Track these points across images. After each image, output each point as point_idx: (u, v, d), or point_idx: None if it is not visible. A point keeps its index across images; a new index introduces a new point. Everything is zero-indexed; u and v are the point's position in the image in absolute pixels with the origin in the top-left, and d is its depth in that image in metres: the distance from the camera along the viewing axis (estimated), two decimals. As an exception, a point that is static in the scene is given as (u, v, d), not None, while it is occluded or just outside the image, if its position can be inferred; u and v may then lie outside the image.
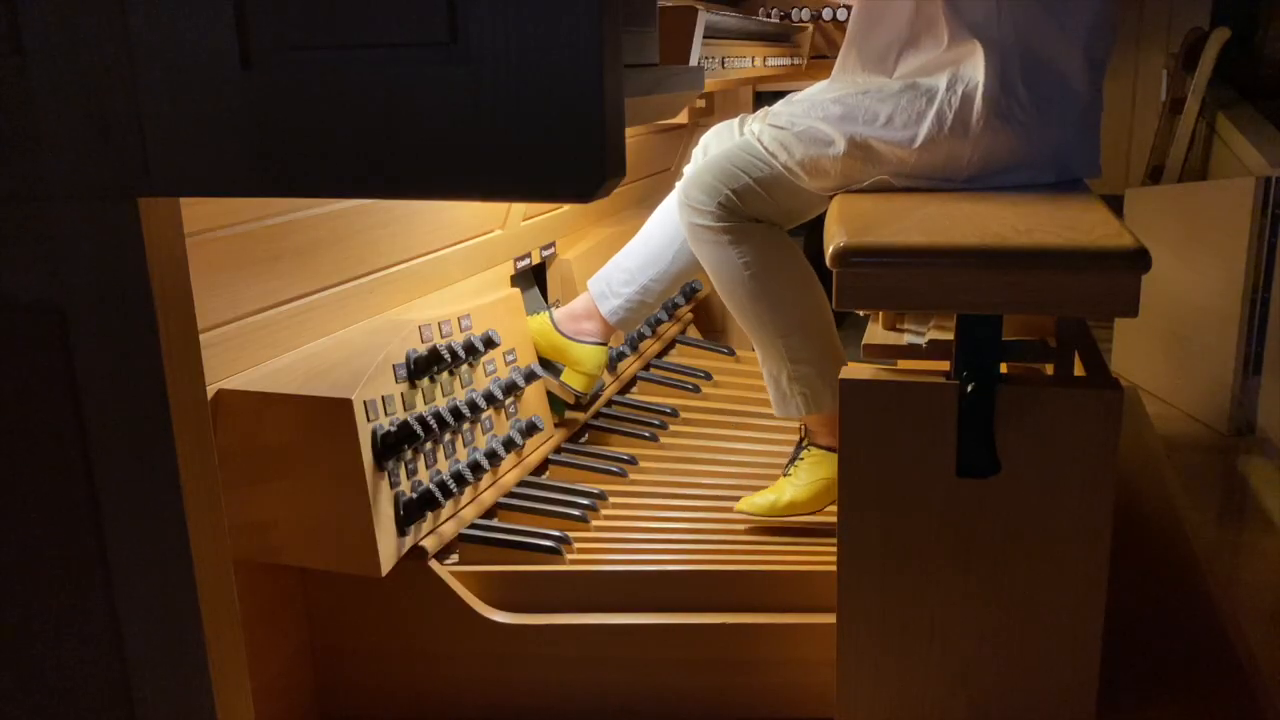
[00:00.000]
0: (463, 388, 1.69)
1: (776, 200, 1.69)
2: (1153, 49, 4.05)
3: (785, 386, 1.75)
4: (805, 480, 1.79)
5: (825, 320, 1.76)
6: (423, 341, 1.62)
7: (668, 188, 1.83)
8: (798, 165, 1.63)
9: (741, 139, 1.74)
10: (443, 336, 1.67)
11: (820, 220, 1.57)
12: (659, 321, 2.50)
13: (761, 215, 1.70)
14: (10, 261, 0.89)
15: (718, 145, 1.90)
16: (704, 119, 2.83)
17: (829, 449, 1.78)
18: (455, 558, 1.64)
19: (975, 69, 1.52)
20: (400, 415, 1.50)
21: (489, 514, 1.72)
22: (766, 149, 1.66)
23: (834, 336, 1.77)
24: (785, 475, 1.83)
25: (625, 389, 2.35)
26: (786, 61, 2.84)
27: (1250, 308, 2.66)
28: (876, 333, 2.29)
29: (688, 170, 1.85)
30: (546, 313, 2.04)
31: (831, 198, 1.65)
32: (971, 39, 1.53)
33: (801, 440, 1.84)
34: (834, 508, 1.56)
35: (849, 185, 1.62)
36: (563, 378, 1.99)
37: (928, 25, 1.58)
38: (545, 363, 1.98)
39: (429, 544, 1.53)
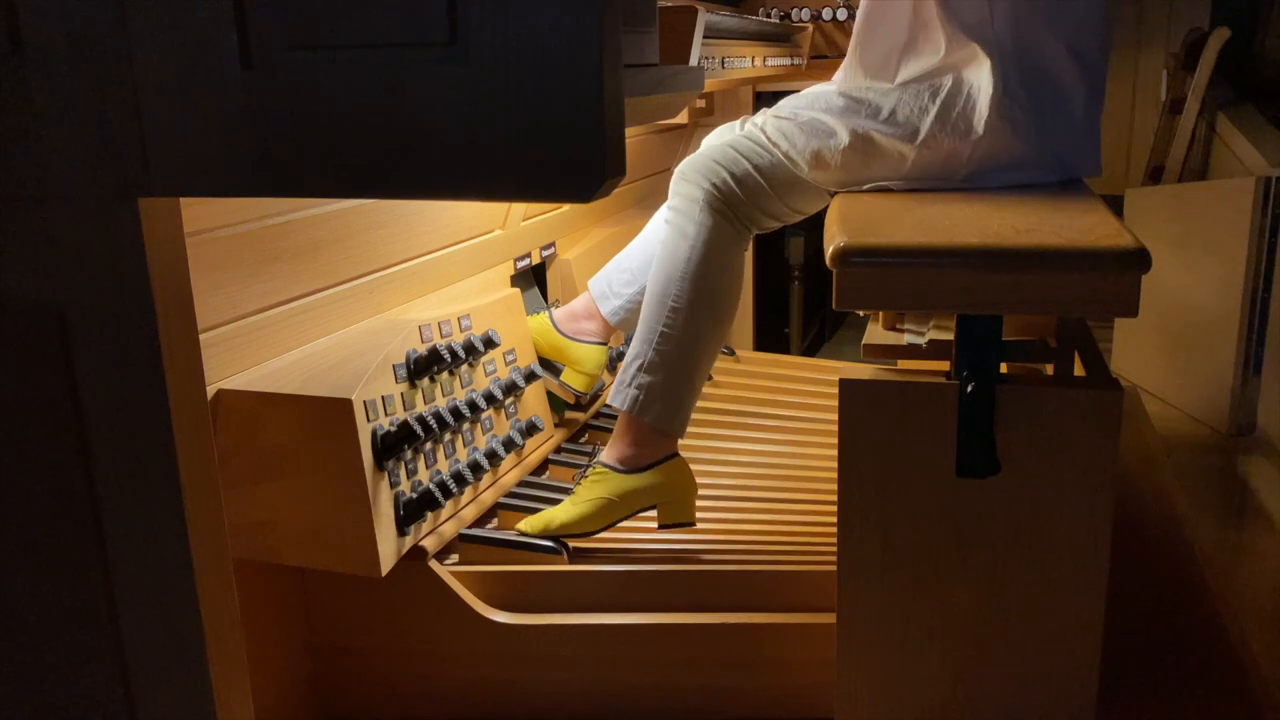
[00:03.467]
0: (463, 388, 1.69)
1: (775, 190, 1.68)
2: (1153, 49, 4.05)
3: (631, 373, 1.67)
4: (583, 499, 1.68)
5: (709, 350, 1.69)
6: (423, 341, 1.62)
7: (668, 188, 1.83)
8: (799, 155, 1.63)
9: (745, 129, 1.74)
10: (443, 336, 1.67)
11: (820, 220, 1.58)
12: (659, 321, 2.49)
13: (757, 206, 1.68)
14: (10, 261, 0.89)
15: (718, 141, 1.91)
16: (704, 119, 2.83)
17: (614, 467, 1.69)
18: (455, 558, 1.64)
19: (979, 72, 1.52)
20: (400, 415, 1.50)
21: (489, 514, 1.72)
22: (769, 138, 1.66)
23: (703, 372, 1.70)
24: (570, 494, 1.73)
25: (625, 389, 2.34)
26: (786, 61, 2.84)
27: (1250, 308, 2.65)
28: (876, 333, 2.29)
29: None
30: (546, 313, 2.03)
31: (830, 195, 1.65)
32: (969, 43, 1.53)
33: (592, 453, 1.73)
34: (831, 502, 1.55)
35: (848, 180, 1.62)
36: (563, 378, 1.99)
37: (925, 30, 1.58)
38: (545, 363, 1.98)
39: (429, 544, 1.53)
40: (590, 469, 1.73)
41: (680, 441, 2.18)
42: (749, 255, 2.63)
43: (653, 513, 1.88)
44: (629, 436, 1.71)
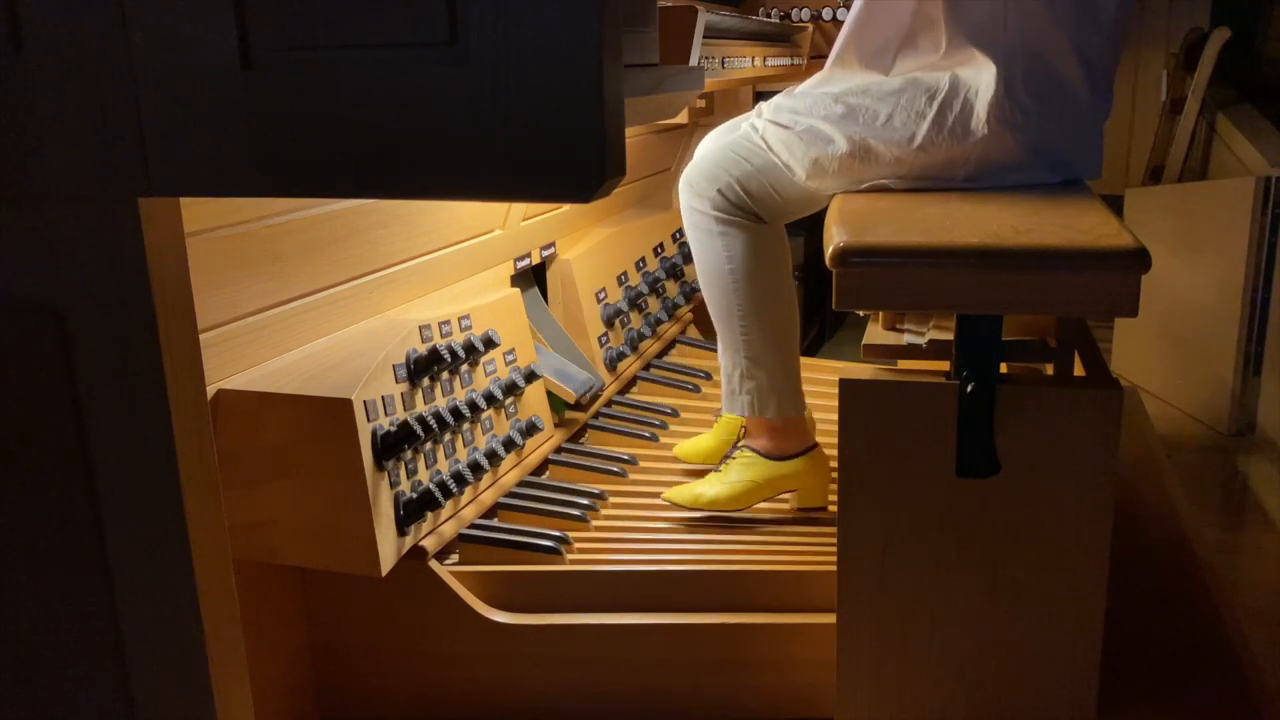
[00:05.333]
0: (463, 388, 1.69)
1: (778, 189, 1.69)
2: (1153, 49, 4.05)
3: (736, 383, 1.79)
4: (732, 479, 1.81)
5: (791, 332, 1.79)
6: (423, 341, 1.62)
7: (668, 188, 1.83)
8: (797, 163, 1.63)
9: (744, 130, 1.74)
10: (443, 336, 1.67)
11: (820, 220, 1.58)
12: (659, 321, 2.50)
13: (763, 205, 1.70)
14: (10, 261, 0.89)
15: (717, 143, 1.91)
16: (704, 119, 2.83)
17: (762, 453, 1.82)
18: (455, 558, 1.64)
19: (978, 74, 1.52)
20: (400, 415, 1.50)
21: (489, 514, 1.72)
22: (768, 144, 1.67)
23: (795, 350, 1.80)
24: (717, 471, 1.86)
25: (625, 389, 2.35)
26: (786, 61, 2.84)
27: (1250, 308, 2.65)
28: (876, 333, 2.29)
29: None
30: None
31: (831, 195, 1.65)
32: (970, 46, 1.52)
33: (738, 440, 1.88)
34: (831, 503, 1.57)
35: (847, 185, 1.62)
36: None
37: (927, 27, 1.58)
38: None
39: (429, 544, 1.53)
40: (739, 451, 1.85)
41: (680, 441, 2.19)
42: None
43: (649, 512, 1.88)
44: (764, 429, 1.82)
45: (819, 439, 2.13)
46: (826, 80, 1.68)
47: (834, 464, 1.60)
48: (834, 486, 1.39)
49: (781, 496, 1.86)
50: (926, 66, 1.57)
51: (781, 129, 1.65)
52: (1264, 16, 3.61)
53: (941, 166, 1.56)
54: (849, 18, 1.70)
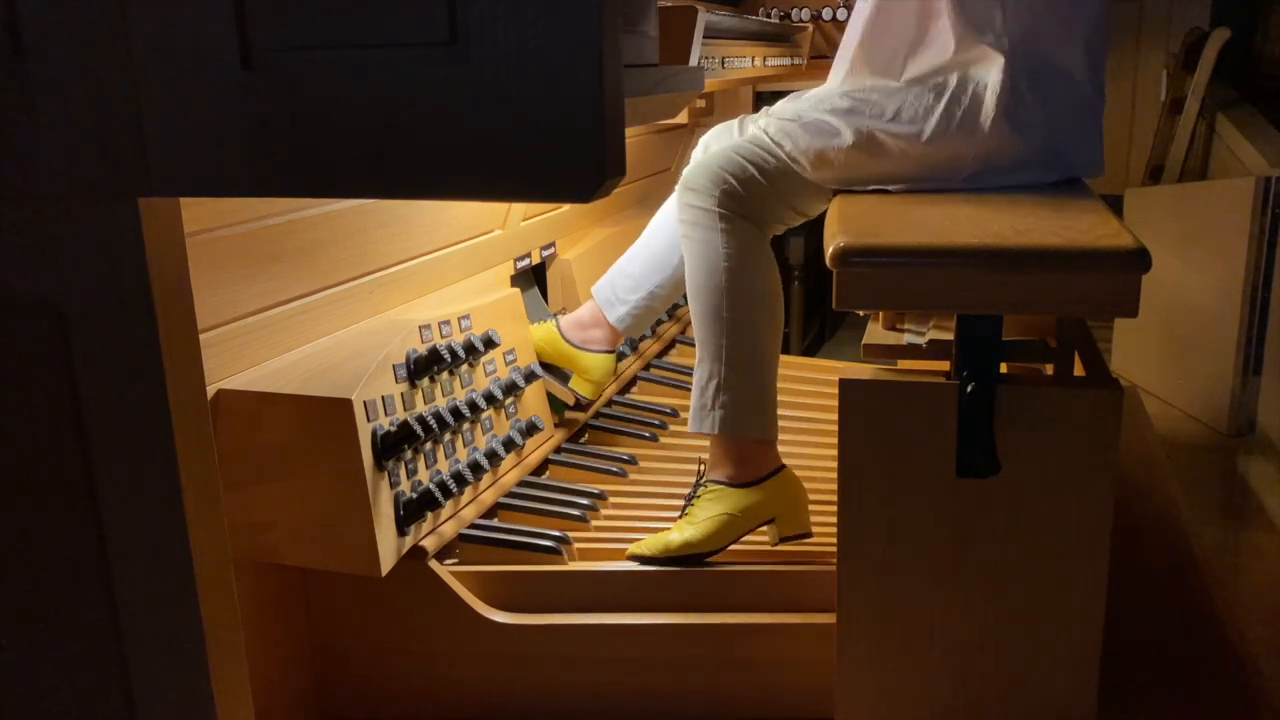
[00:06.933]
0: (463, 388, 1.69)
1: (779, 193, 1.68)
2: (1153, 49, 4.05)
3: (710, 395, 1.66)
4: (702, 517, 1.66)
5: (774, 346, 1.70)
6: (423, 341, 1.62)
7: (668, 188, 1.83)
8: (802, 155, 1.63)
9: (748, 133, 1.73)
10: (443, 336, 1.67)
11: (820, 220, 1.58)
12: (659, 322, 2.50)
13: (762, 209, 1.69)
14: (10, 261, 0.89)
15: (718, 144, 1.90)
16: (704, 119, 2.83)
17: (727, 483, 1.68)
18: (455, 558, 1.64)
19: (986, 71, 1.52)
20: (400, 415, 1.50)
21: (489, 514, 1.72)
22: (772, 139, 1.66)
23: (774, 369, 1.70)
24: (683, 516, 1.70)
25: (625, 389, 2.35)
26: (786, 61, 2.84)
27: (1250, 308, 2.66)
28: (876, 333, 2.29)
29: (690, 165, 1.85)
30: (553, 321, 2.03)
31: (834, 196, 1.65)
32: (979, 43, 1.53)
33: (699, 476, 1.74)
34: (831, 502, 1.56)
35: (852, 179, 1.62)
36: (571, 384, 2.01)
37: (933, 27, 1.58)
38: (548, 366, 1.98)
39: (429, 544, 1.53)
40: (702, 488, 1.71)
41: (680, 442, 2.18)
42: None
43: (649, 512, 1.87)
44: (731, 455, 1.68)
45: (818, 439, 2.13)
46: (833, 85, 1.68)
47: (825, 466, 1.62)
48: (833, 487, 1.39)
49: (759, 532, 1.69)
50: (938, 69, 1.57)
51: (787, 122, 1.65)
52: (1264, 16, 3.61)
53: (947, 163, 1.55)
54: (852, 27, 1.68)
